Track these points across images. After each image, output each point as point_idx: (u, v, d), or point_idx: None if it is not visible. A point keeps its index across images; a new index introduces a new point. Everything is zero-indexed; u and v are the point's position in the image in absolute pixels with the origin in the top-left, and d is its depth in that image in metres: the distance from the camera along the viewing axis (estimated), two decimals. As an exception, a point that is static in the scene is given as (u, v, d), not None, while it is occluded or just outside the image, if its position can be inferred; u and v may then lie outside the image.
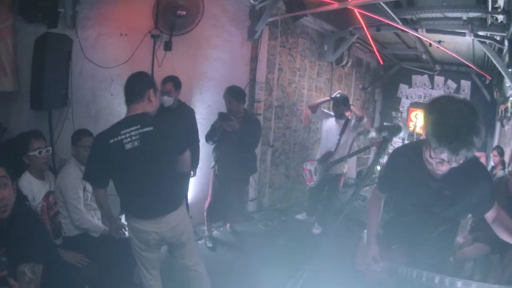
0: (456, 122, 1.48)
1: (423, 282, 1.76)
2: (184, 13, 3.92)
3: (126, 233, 2.66)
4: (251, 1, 4.88)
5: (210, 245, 4.22)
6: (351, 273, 2.32)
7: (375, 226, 2.15)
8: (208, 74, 4.46)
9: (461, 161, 1.55)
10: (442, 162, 1.57)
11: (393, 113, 8.67)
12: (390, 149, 5.37)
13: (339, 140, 4.54)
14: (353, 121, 4.55)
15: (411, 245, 1.94)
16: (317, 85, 6.35)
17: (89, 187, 2.90)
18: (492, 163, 5.51)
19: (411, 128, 8.10)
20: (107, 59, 3.64)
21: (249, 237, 4.56)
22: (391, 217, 2.23)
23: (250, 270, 3.69)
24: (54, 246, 2.39)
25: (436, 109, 1.58)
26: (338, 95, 4.65)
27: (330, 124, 4.70)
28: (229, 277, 3.56)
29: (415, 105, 8.41)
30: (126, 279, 2.93)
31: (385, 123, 8.43)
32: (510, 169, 3.49)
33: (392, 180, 2.03)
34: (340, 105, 4.58)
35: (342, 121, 4.59)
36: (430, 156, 1.61)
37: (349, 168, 7.00)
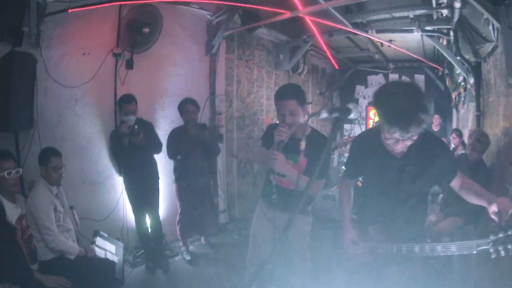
0: (402, 102, 1.63)
1: (404, 255, 1.91)
2: (148, 30, 4.12)
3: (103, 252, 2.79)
4: (208, 17, 5.10)
5: (189, 258, 4.31)
6: (333, 262, 2.47)
7: (348, 211, 2.29)
8: (170, 90, 4.62)
9: (414, 138, 1.72)
10: (397, 141, 1.74)
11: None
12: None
13: None
14: None
15: (385, 223, 2.06)
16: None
17: (60, 207, 2.88)
18: (452, 145, 5.81)
19: (370, 125, 8.61)
20: (71, 79, 3.64)
21: (225, 248, 4.69)
22: (362, 201, 2.39)
23: (230, 280, 3.80)
24: (29, 269, 2.44)
25: (383, 94, 1.76)
26: None
27: None
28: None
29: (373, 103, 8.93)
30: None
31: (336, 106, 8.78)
32: (467, 143, 3.93)
33: (358, 165, 2.23)
34: None
35: None
36: (386, 138, 1.77)
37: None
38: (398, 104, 1.65)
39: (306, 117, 5.49)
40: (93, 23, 3.85)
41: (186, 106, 4.07)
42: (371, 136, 2.05)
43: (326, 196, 6.37)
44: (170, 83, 4.62)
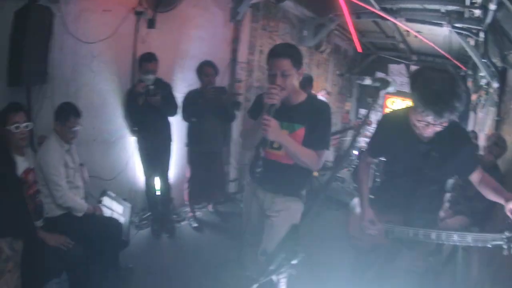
0: (439, 87, 1.66)
1: (419, 240, 1.94)
2: None
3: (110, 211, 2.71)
4: None
5: (196, 225, 4.29)
6: (345, 241, 2.45)
7: (367, 190, 2.26)
8: (191, 53, 4.43)
9: (445, 124, 1.73)
10: (428, 125, 1.74)
11: (369, 100, 8.92)
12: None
13: None
14: None
15: (404, 206, 2.05)
16: (299, 70, 6.46)
17: (70, 164, 2.80)
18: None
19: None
20: (89, 35, 3.52)
21: (232, 217, 4.62)
22: (381, 181, 2.39)
23: (235, 249, 3.64)
24: (33, 224, 2.31)
25: (421, 77, 1.77)
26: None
27: None
28: (216, 256, 3.66)
29: (392, 92, 8.68)
30: (113, 264, 2.89)
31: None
32: (484, 146, 3.86)
33: (383, 144, 2.17)
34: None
35: None
36: (417, 119, 1.76)
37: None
38: (437, 88, 1.66)
39: (324, 95, 5.21)
40: None
41: (205, 69, 3.99)
42: (400, 117, 2.01)
43: (335, 177, 6.25)
44: (191, 45, 4.47)
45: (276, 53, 2.04)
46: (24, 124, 2.35)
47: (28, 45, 2.92)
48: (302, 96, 2.18)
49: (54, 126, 2.76)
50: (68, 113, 2.76)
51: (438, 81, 1.68)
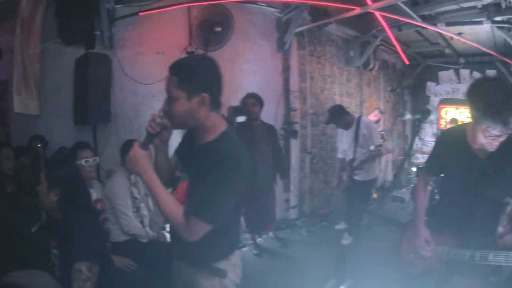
0: (499, 96, 1.53)
1: (476, 262, 1.77)
2: (220, 29, 3.96)
3: None
4: (276, 14, 4.81)
5: (255, 251, 4.08)
6: (395, 268, 2.27)
7: (423, 209, 2.07)
8: (245, 86, 4.29)
9: (510, 132, 1.58)
10: (496, 137, 1.59)
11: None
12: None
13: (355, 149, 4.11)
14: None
15: (460, 226, 1.89)
16: (347, 91, 6.07)
17: (137, 195, 2.87)
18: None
19: (442, 125, 7.63)
20: (145, 76, 3.68)
21: (293, 243, 4.40)
22: (437, 201, 2.21)
23: (296, 276, 3.53)
24: (108, 249, 2.34)
25: (477, 91, 1.63)
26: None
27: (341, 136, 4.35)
28: (277, 284, 3.46)
29: (445, 101, 7.89)
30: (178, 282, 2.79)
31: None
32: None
33: (440, 162, 2.00)
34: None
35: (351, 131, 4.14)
36: (485, 136, 1.61)
37: (384, 171, 6.64)
38: (497, 97, 1.54)
39: (377, 115, 4.70)
40: (164, 23, 3.90)
41: (247, 100, 3.81)
42: (457, 134, 1.90)
43: (394, 197, 5.93)
44: (244, 79, 4.39)
45: (169, 67, 1.38)
46: (92, 159, 2.59)
47: (91, 88, 3.23)
48: (214, 133, 1.40)
49: (121, 161, 2.86)
50: (131, 146, 2.69)
51: (495, 90, 1.57)
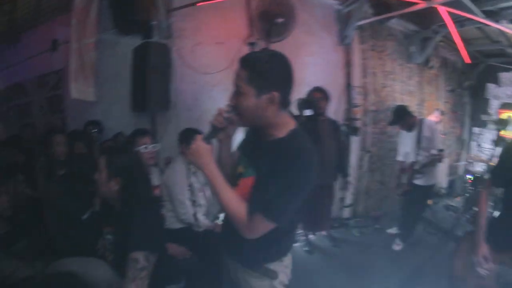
0: None
1: None
2: (282, 20, 3.77)
3: None
4: (337, 6, 4.58)
5: (307, 248, 3.99)
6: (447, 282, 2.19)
7: (484, 222, 1.97)
8: (307, 80, 4.03)
9: None
10: None
11: (483, 117, 7.51)
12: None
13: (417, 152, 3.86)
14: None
15: None
16: (408, 89, 5.63)
17: (196, 184, 2.84)
18: None
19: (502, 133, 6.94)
20: (205, 66, 3.69)
21: (344, 243, 4.28)
22: (499, 215, 2.07)
23: (344, 277, 3.46)
24: (164, 239, 2.29)
25: None
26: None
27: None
28: (325, 283, 3.37)
29: (505, 106, 7.18)
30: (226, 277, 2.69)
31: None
32: None
33: (508, 173, 1.92)
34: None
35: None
36: None
37: (440, 177, 6.12)
38: None
39: (437, 116, 4.25)
40: (223, 14, 3.83)
41: (313, 93, 3.61)
42: None
43: (448, 206, 5.58)
44: (307, 72, 4.17)
45: (239, 59, 1.31)
46: (152, 145, 2.55)
47: (151, 76, 3.22)
48: (282, 131, 1.34)
49: (180, 149, 2.85)
50: (192, 134, 2.60)
51: None
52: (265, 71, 1.23)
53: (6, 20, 5.98)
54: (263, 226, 1.25)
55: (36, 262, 1.92)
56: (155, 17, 3.51)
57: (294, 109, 3.50)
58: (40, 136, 3.66)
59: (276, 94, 1.24)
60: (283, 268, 1.48)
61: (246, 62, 1.27)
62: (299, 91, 3.81)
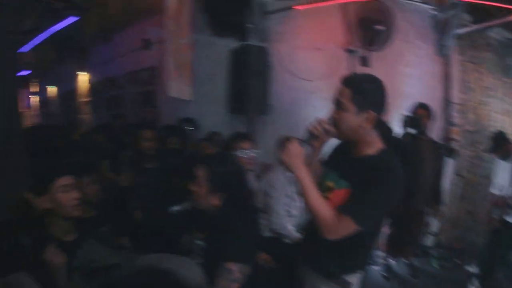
0: None
1: None
2: (383, 28, 3.61)
3: None
4: (432, 12, 4.19)
5: (385, 274, 3.74)
6: None
7: None
8: (405, 92, 3.84)
9: None
10: None
11: None
12: None
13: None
14: None
15: None
16: (507, 108, 5.03)
17: (292, 194, 2.75)
18: None
19: None
20: (305, 72, 3.56)
21: (423, 274, 3.91)
22: None
23: None
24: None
25: None
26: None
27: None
28: None
29: None
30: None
31: None
32: None
33: None
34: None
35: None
36: None
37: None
38: None
39: None
40: (320, 18, 3.69)
41: (418, 110, 3.35)
42: None
43: None
44: (404, 84, 3.93)
45: (343, 79, 1.47)
46: (251, 151, 2.46)
47: (250, 79, 3.21)
48: (373, 149, 1.48)
49: (279, 156, 2.45)
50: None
51: None
52: (366, 91, 1.38)
53: (98, 21, 6.44)
54: (348, 227, 1.35)
55: (121, 250, 1.91)
56: (251, 20, 3.47)
57: (398, 126, 3.31)
58: (129, 128, 3.75)
59: (373, 113, 1.37)
60: (356, 281, 1.55)
61: (350, 81, 1.41)
62: (397, 104, 3.60)
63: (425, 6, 4.19)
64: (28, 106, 11.37)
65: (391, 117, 3.61)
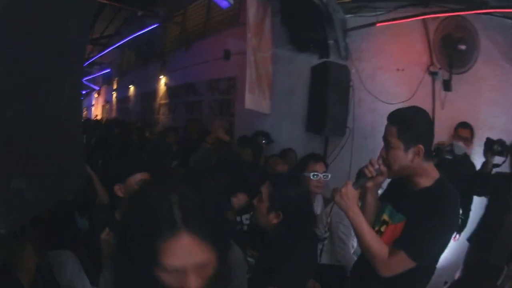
0: None
1: None
2: (464, 47, 3.32)
3: None
4: None
5: None
6: None
7: None
8: (488, 122, 3.47)
9: None
10: None
11: None
12: None
13: None
14: None
15: None
16: None
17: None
18: None
19: None
20: (386, 94, 3.36)
21: None
22: None
23: None
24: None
25: None
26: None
27: None
28: None
29: None
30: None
31: None
32: None
33: None
34: None
35: None
36: None
37: None
38: None
39: None
40: (402, 36, 3.50)
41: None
42: None
43: None
44: (487, 112, 3.48)
45: (388, 116, 1.52)
46: (323, 174, 2.38)
47: (330, 98, 3.14)
48: (428, 180, 1.46)
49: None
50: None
51: None
52: (411, 125, 1.39)
53: (178, 29, 6.88)
54: (403, 264, 1.33)
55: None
56: (332, 36, 3.42)
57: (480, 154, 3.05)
58: (204, 132, 3.85)
59: (421, 147, 1.37)
60: None
61: (395, 119, 1.44)
62: (479, 135, 3.31)
63: (508, 20, 3.59)
64: (109, 100, 12.44)
65: (472, 150, 3.42)
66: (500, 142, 2.79)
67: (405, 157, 1.40)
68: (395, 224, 1.47)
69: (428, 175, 1.45)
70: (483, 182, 2.74)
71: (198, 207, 0.74)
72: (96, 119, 11.03)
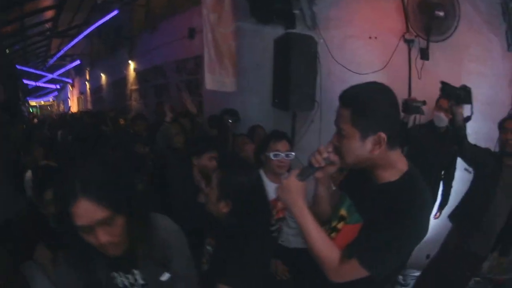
0: None
1: None
2: (442, 13, 3.14)
3: None
4: None
5: None
6: None
7: None
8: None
9: None
10: None
11: None
12: None
13: None
14: None
15: None
16: None
17: None
18: None
19: None
20: (357, 64, 3.18)
21: None
22: None
23: None
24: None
25: None
26: None
27: None
28: None
29: None
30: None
31: None
32: None
33: None
34: None
35: None
36: None
37: None
38: None
39: None
40: (375, 3, 3.31)
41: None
42: None
43: None
44: (468, 83, 3.14)
45: (340, 96, 1.16)
46: (285, 153, 2.25)
47: (294, 72, 2.93)
48: (393, 174, 1.15)
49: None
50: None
51: None
52: (369, 110, 1.08)
53: (143, 10, 6.56)
54: (355, 272, 1.12)
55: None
56: (296, 5, 3.21)
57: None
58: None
59: (382, 135, 1.07)
60: None
61: (348, 100, 1.11)
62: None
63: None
64: (84, 91, 12.23)
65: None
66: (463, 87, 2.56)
67: (362, 147, 1.11)
68: (352, 225, 1.23)
69: (393, 167, 1.17)
70: (459, 135, 2.48)
71: (98, 178, 0.98)
72: (71, 113, 10.88)
